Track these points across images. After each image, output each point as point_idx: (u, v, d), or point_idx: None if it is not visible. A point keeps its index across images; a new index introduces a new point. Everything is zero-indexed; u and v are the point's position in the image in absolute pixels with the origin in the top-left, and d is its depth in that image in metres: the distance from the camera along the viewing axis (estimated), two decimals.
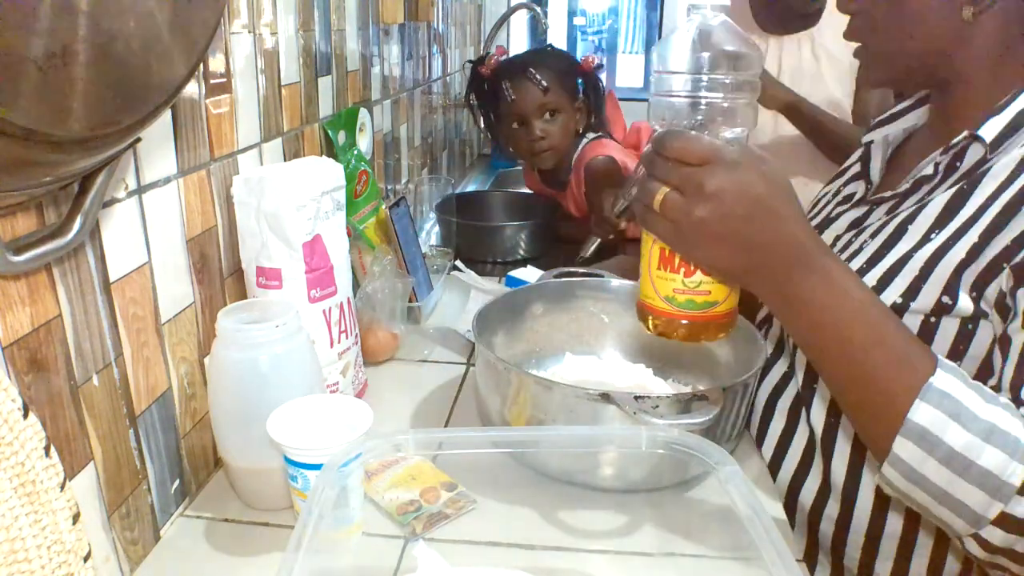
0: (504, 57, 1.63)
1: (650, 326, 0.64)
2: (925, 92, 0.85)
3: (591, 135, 1.61)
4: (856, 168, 0.88)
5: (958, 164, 0.71)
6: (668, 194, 0.57)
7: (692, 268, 0.60)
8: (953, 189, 0.69)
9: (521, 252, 1.51)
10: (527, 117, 1.56)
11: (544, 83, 1.54)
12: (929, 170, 0.72)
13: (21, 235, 0.50)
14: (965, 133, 0.69)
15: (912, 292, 0.68)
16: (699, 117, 0.57)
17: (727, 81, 0.56)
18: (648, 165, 0.59)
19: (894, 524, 0.74)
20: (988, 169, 0.67)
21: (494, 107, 1.62)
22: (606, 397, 0.69)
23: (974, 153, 0.70)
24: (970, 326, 0.66)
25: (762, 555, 0.50)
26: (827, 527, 0.79)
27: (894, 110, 0.88)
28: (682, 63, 0.56)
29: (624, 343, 0.98)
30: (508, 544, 0.70)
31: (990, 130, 0.68)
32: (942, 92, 0.76)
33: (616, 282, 0.99)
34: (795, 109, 1.48)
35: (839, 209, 0.85)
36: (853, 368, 0.60)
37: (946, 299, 0.66)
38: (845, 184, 0.88)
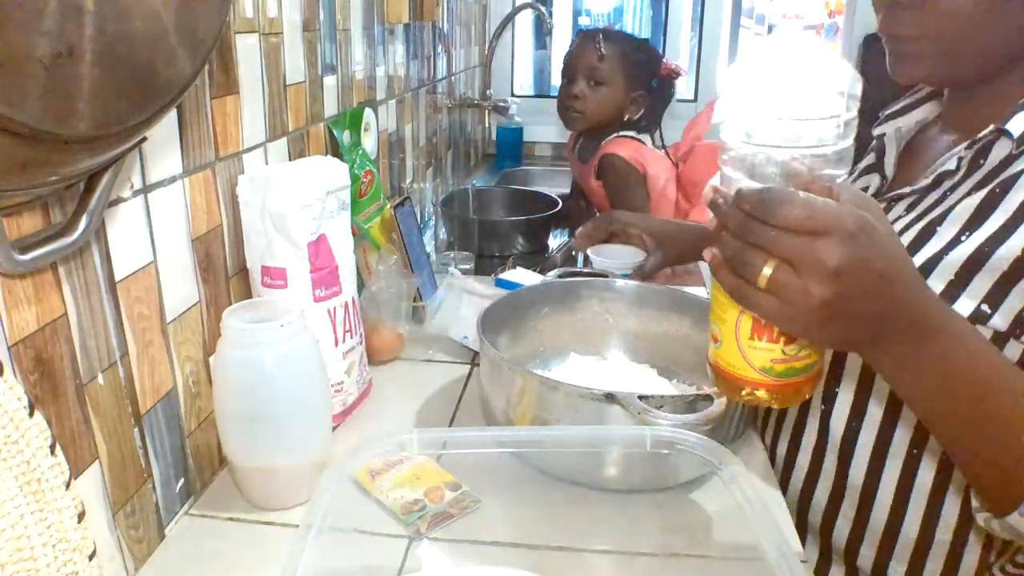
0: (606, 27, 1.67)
1: (742, 396, 0.57)
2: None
3: (629, 132, 1.61)
4: (868, 160, 0.86)
5: (982, 161, 0.69)
6: (777, 270, 0.49)
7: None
8: (984, 191, 0.67)
9: (520, 247, 1.52)
10: (575, 75, 1.60)
11: (602, 51, 1.58)
12: (952, 165, 0.70)
13: (27, 234, 0.50)
14: (991, 128, 0.67)
15: (947, 298, 0.65)
16: (803, 166, 0.48)
17: (841, 119, 0.48)
18: (741, 230, 0.50)
19: (911, 526, 0.74)
20: (1022, 171, 0.65)
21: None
22: (610, 397, 0.69)
23: (1000, 150, 0.68)
24: (1001, 341, 0.65)
25: (766, 555, 0.50)
26: (842, 529, 0.79)
27: (905, 102, 0.86)
28: (780, 100, 0.47)
29: (628, 343, 0.97)
30: (512, 544, 0.69)
31: (1017, 125, 0.66)
32: (968, 87, 0.74)
33: (621, 282, 0.99)
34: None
35: None
36: (986, 425, 0.57)
37: (985, 307, 0.64)
38: (857, 178, 0.86)
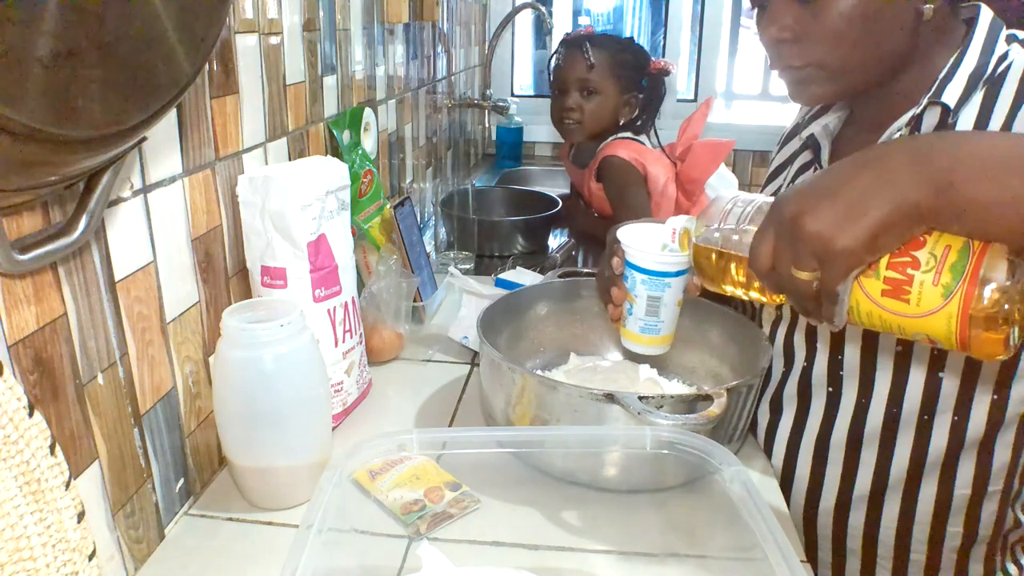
0: (586, 31, 1.65)
1: (996, 342, 0.51)
2: None
3: (626, 133, 1.61)
4: (805, 159, 0.89)
5: (917, 134, 0.73)
6: (800, 253, 0.54)
7: (906, 250, 0.53)
8: None
9: (520, 247, 1.52)
10: (566, 87, 1.59)
11: (591, 60, 1.56)
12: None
13: (27, 234, 0.50)
14: (924, 102, 0.71)
15: None
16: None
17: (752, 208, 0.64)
18: (775, 283, 0.58)
19: (928, 488, 0.77)
20: (954, 125, 0.70)
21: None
22: (610, 397, 0.69)
23: (930, 119, 0.72)
24: None
25: (767, 555, 0.50)
26: (858, 507, 0.81)
27: (823, 105, 0.89)
28: (731, 218, 0.65)
29: None
30: (512, 544, 0.69)
31: (951, 95, 0.71)
32: (871, 92, 0.77)
33: None
34: None
35: None
36: None
37: None
38: (795, 176, 0.89)
